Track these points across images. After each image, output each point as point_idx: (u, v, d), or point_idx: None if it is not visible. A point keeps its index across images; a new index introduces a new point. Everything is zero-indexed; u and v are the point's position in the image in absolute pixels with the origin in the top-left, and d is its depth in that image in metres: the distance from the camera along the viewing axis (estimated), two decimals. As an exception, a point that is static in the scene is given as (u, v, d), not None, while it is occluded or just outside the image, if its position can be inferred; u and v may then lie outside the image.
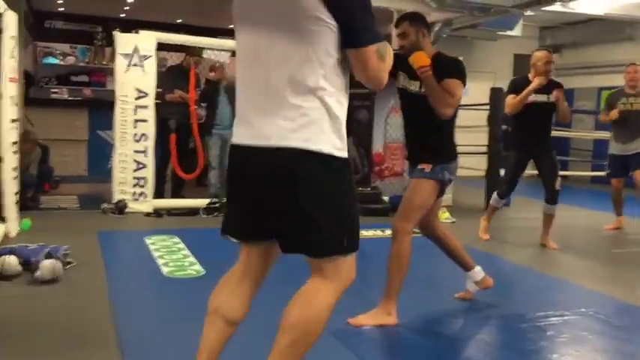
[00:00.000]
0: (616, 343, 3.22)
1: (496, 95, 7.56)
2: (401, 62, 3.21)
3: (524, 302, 4.07)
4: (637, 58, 10.80)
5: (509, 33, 9.97)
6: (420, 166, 3.38)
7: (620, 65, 11.13)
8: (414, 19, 3.37)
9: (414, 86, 3.36)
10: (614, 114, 6.00)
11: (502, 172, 7.66)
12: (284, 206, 1.86)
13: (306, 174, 1.83)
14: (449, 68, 3.28)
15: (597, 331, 3.37)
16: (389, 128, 7.68)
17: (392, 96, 7.64)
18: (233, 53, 6.73)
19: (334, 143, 1.87)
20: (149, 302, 3.73)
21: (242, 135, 1.94)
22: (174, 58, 9.62)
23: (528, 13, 8.97)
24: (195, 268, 4.35)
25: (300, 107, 1.83)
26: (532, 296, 4.23)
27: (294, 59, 1.82)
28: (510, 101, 5.21)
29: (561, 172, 10.11)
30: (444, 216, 6.71)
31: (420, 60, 3.20)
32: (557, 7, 8.70)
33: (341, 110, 1.90)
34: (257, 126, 1.88)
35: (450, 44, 9.12)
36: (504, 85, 10.24)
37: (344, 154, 1.90)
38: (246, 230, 2.02)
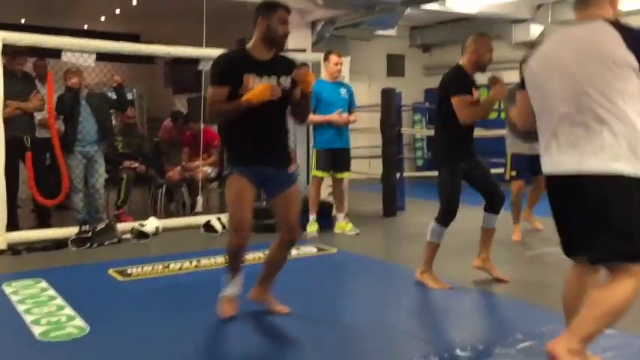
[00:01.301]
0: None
1: (388, 96, 7.23)
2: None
3: (485, 327, 3.67)
4: (505, 56, 11.21)
5: (388, 32, 9.79)
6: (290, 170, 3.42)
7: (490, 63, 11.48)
8: None
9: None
10: None
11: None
12: None
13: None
14: None
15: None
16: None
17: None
18: (98, 56, 5.75)
19: None
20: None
21: None
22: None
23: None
24: (76, 324, 3.44)
25: None
26: (488, 320, 3.85)
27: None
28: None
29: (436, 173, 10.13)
30: (348, 227, 6.24)
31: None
32: (433, 5, 8.63)
33: None
34: None
35: (329, 44, 8.75)
36: (380, 85, 10.11)
37: None
38: None
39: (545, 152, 2.51)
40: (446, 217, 4.23)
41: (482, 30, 11.28)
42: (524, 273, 4.82)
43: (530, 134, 6.02)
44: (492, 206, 4.37)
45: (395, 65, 12.50)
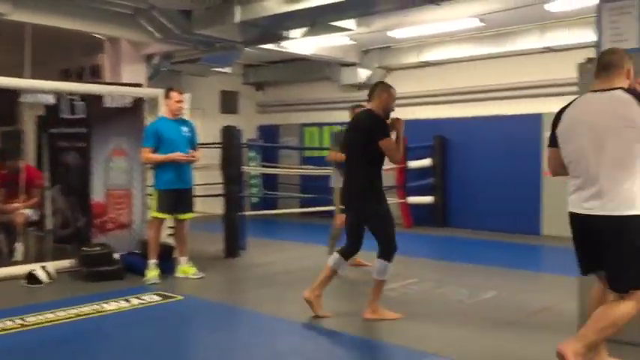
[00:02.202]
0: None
1: (229, 134, 7.10)
2: None
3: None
4: (333, 97, 11.70)
5: (226, 70, 9.70)
6: None
7: (319, 103, 11.88)
8: None
9: None
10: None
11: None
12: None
13: None
14: None
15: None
16: (111, 173, 6.59)
17: (113, 136, 6.60)
18: None
19: None
20: None
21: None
22: None
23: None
24: None
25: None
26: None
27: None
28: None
29: (272, 211, 10.12)
30: (191, 271, 5.93)
31: None
32: (269, 45, 8.76)
33: None
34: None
35: (164, 79, 8.45)
36: (214, 121, 9.95)
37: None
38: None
39: None
40: (393, 253, 4.44)
41: (314, 71, 11.74)
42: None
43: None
44: (353, 252, 4.58)
45: (229, 102, 12.45)
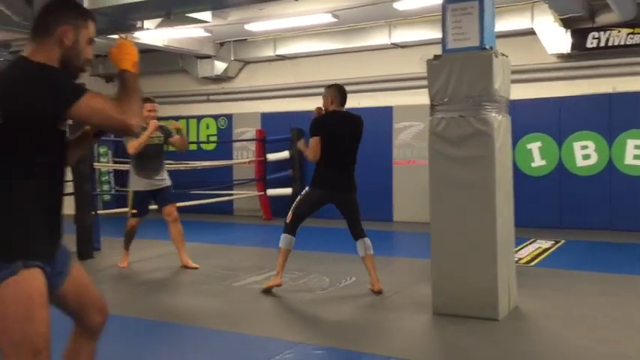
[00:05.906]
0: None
1: (79, 129, 6.67)
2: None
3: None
4: (191, 89, 11.46)
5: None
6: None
7: (175, 96, 11.57)
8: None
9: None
10: None
11: None
12: None
13: None
14: None
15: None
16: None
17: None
18: None
19: None
20: None
21: None
22: None
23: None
24: None
25: None
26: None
27: None
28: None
29: (127, 209, 9.75)
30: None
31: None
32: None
33: None
34: None
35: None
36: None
37: None
38: None
39: None
40: (286, 225, 5.14)
41: (168, 63, 11.37)
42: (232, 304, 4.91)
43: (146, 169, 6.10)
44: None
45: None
